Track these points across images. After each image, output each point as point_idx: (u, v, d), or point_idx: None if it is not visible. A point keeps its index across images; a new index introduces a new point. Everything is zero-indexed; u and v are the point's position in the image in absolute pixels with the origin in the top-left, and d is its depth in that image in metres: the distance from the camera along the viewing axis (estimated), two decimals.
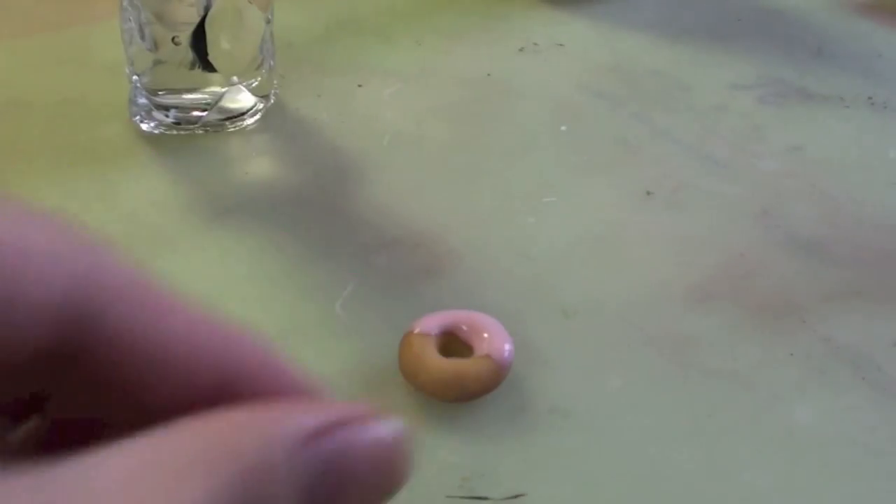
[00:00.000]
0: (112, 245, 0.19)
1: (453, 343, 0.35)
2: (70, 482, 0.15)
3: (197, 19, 0.45)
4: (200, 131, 0.49)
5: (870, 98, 0.56)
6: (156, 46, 0.46)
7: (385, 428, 0.20)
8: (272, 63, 0.50)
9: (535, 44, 0.61)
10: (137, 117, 0.49)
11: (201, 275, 0.40)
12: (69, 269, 0.18)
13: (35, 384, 0.19)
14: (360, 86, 0.55)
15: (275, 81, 0.51)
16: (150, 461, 0.16)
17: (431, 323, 0.35)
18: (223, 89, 0.48)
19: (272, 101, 0.51)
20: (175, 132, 0.49)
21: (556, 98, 0.55)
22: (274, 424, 0.18)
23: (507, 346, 0.34)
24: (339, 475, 0.19)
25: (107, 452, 0.16)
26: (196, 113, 0.48)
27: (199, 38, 0.46)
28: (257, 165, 0.48)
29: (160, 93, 0.48)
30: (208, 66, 0.47)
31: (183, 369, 0.19)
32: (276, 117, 0.51)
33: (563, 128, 0.52)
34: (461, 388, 0.33)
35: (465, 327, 0.35)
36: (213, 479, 0.16)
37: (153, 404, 0.19)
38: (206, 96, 0.48)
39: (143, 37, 0.46)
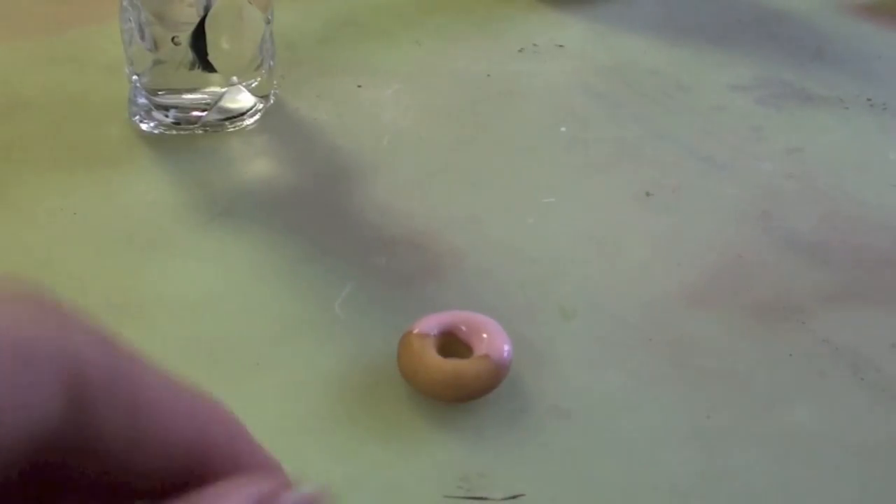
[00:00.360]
0: (89, 321, 0.20)
1: (452, 343, 0.35)
2: None
3: (197, 19, 0.45)
4: (200, 131, 0.49)
5: (869, 99, 0.56)
6: (156, 46, 0.46)
7: (307, 492, 0.22)
8: (272, 63, 0.50)
9: (535, 45, 0.61)
10: (137, 117, 0.49)
11: (200, 275, 0.40)
12: (65, 366, 0.19)
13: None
14: (359, 86, 0.55)
15: (275, 82, 0.52)
16: None
17: (430, 323, 0.35)
18: (223, 89, 0.48)
19: (272, 101, 0.51)
20: (175, 132, 0.49)
21: (556, 99, 0.55)
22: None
23: (505, 347, 0.34)
24: None
25: None
26: (196, 113, 0.48)
27: (198, 38, 0.46)
28: (257, 166, 0.48)
29: (160, 93, 0.48)
30: (208, 67, 0.47)
31: (162, 444, 0.21)
32: (275, 117, 0.51)
33: (562, 128, 0.52)
34: (460, 387, 0.33)
35: (464, 327, 0.35)
36: None
37: (136, 477, 0.21)
38: (206, 96, 0.48)
39: (142, 37, 0.46)
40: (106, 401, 0.19)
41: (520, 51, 0.60)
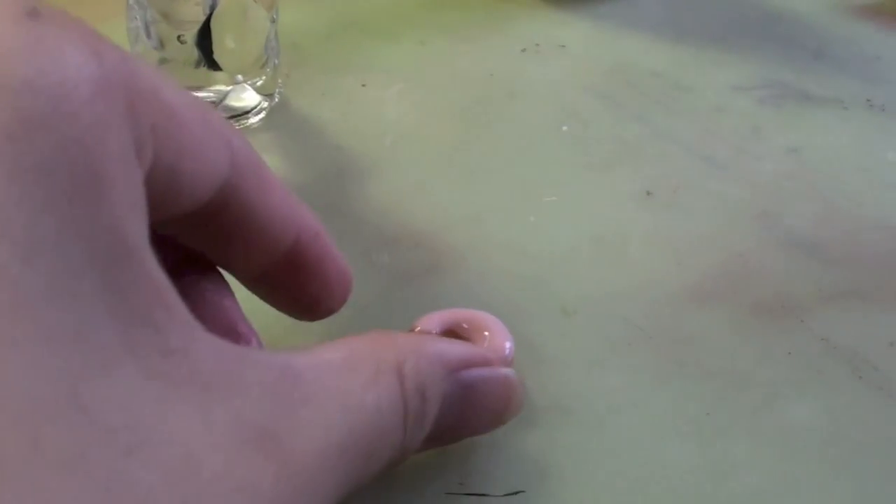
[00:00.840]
0: (236, 129, 0.26)
1: None
2: (302, 360, 0.22)
3: (202, 18, 0.46)
4: None
5: (868, 100, 0.56)
6: (161, 45, 0.46)
7: (509, 373, 0.29)
8: (277, 62, 0.51)
9: (538, 45, 0.61)
10: None
11: None
12: (225, 150, 0.24)
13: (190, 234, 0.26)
14: (363, 85, 0.55)
15: (279, 80, 0.52)
16: (357, 357, 0.23)
17: (433, 321, 0.35)
18: (228, 88, 0.48)
19: (276, 99, 0.52)
20: None
21: (558, 98, 0.55)
22: (436, 352, 0.26)
23: (507, 344, 0.34)
24: (471, 400, 0.27)
25: (322, 348, 0.23)
26: None
27: (204, 37, 0.46)
28: None
29: None
30: (213, 65, 0.47)
31: (275, 230, 0.27)
32: (280, 116, 0.51)
33: (564, 128, 0.52)
34: None
35: (465, 325, 0.35)
36: (403, 382, 0.23)
37: (254, 255, 0.27)
38: (212, 94, 0.48)
39: (148, 35, 0.46)
40: (248, 183, 0.25)
41: (522, 51, 0.60)
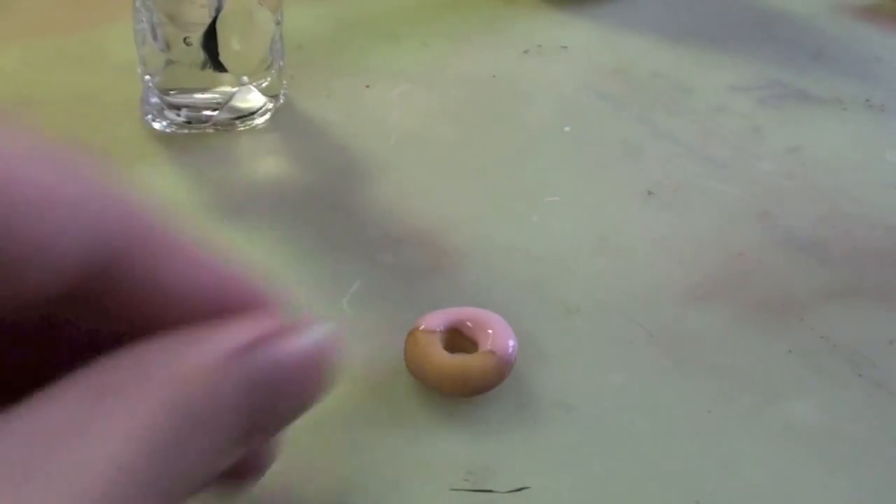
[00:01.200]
0: (128, 188, 0.20)
1: (458, 339, 0.35)
2: (20, 425, 0.16)
3: (208, 20, 0.46)
4: (211, 130, 0.49)
5: (867, 100, 0.57)
6: (168, 47, 0.47)
7: (306, 339, 0.23)
8: (282, 64, 0.51)
9: (540, 46, 0.61)
10: (149, 116, 0.50)
11: None
12: (92, 217, 0.19)
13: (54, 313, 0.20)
14: (367, 86, 0.55)
15: (284, 82, 0.52)
16: (77, 411, 0.16)
17: (437, 320, 0.36)
18: (234, 89, 0.49)
19: (282, 100, 0.52)
20: (186, 131, 0.49)
21: (560, 99, 0.55)
22: (204, 345, 0.19)
23: (510, 343, 0.35)
24: (271, 387, 0.21)
25: (49, 394, 0.17)
26: (207, 112, 0.49)
27: (210, 39, 0.47)
28: (266, 164, 0.49)
29: (172, 92, 0.49)
30: (219, 67, 0.48)
31: (188, 303, 0.21)
32: (285, 117, 0.52)
33: (566, 128, 0.52)
34: (466, 383, 0.34)
35: (469, 324, 0.36)
36: (146, 403, 0.17)
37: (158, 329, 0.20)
38: (217, 96, 0.49)
39: (155, 37, 0.47)
40: (134, 259, 0.20)
41: (524, 52, 0.61)
